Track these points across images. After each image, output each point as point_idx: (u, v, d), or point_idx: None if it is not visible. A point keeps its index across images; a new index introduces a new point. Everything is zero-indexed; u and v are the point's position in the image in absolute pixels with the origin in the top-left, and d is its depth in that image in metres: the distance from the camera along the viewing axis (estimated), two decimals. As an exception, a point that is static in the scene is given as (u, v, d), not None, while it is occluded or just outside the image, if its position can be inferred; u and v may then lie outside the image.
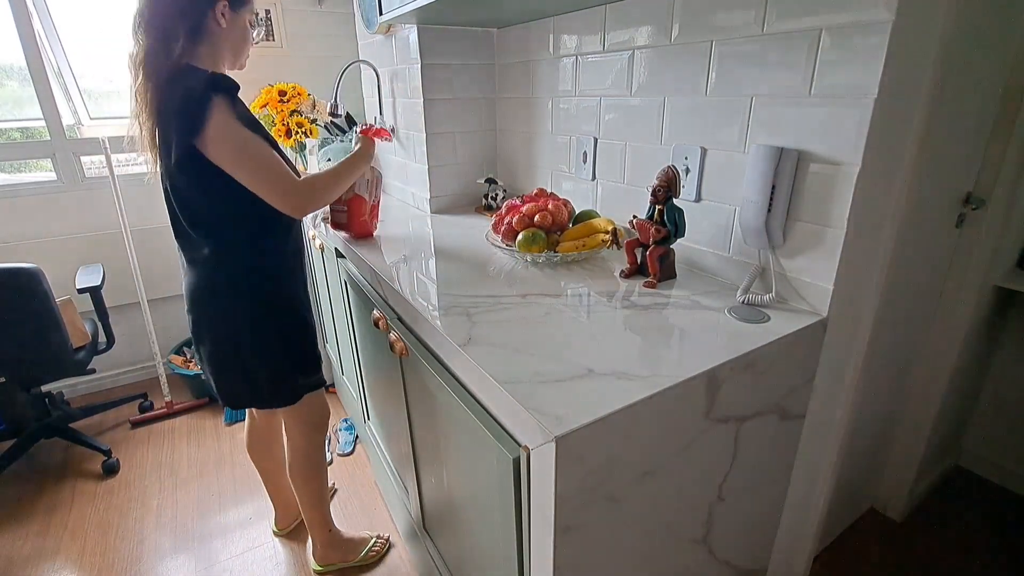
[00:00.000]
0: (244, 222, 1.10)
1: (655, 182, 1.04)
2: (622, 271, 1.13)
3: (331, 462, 1.92)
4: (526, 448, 0.70)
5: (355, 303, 1.46)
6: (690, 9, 1.05)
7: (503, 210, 1.31)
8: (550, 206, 1.26)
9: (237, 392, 1.24)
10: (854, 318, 1.00)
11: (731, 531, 1.00)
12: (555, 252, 1.20)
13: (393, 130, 1.93)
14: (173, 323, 2.45)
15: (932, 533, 1.54)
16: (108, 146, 1.98)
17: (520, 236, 1.21)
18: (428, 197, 1.75)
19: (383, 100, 1.97)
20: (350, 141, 2.10)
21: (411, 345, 1.03)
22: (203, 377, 2.21)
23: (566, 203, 1.30)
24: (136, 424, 2.17)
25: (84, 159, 2.18)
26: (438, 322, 0.92)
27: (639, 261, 1.12)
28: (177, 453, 2.00)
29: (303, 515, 1.44)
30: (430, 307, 0.99)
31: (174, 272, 2.32)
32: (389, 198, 2.05)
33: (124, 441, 2.08)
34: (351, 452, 1.97)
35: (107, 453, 1.92)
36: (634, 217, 1.10)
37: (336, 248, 1.58)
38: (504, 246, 1.26)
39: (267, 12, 2.22)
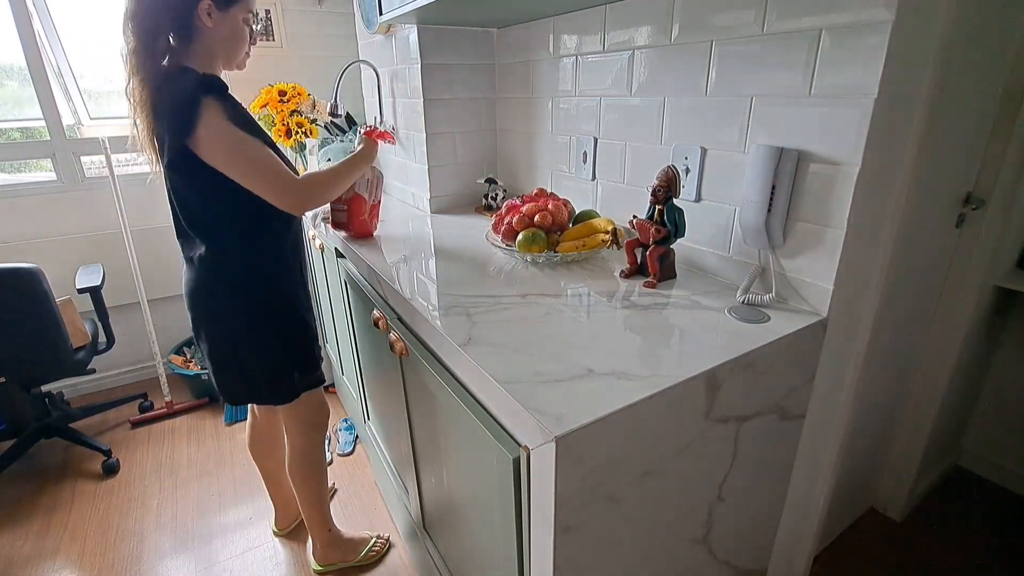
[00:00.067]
0: (240, 222, 1.10)
1: (655, 182, 1.04)
2: (622, 271, 1.13)
3: (331, 462, 1.92)
4: (526, 448, 0.70)
5: (355, 303, 1.46)
6: (690, 9, 1.05)
7: (503, 210, 1.31)
8: (550, 206, 1.26)
9: (235, 389, 1.24)
10: (854, 318, 1.00)
11: (731, 531, 1.00)
12: (555, 252, 1.20)
13: (394, 130, 1.93)
14: (173, 323, 2.45)
15: (932, 533, 1.54)
16: (108, 146, 1.99)
17: (520, 236, 1.21)
18: (428, 197, 1.75)
19: (383, 100, 1.97)
20: (350, 141, 2.10)
21: (411, 345, 1.03)
22: (203, 377, 2.22)
23: (566, 203, 1.30)
24: (136, 424, 2.17)
25: (84, 159, 2.18)
26: (438, 322, 0.92)
27: (639, 261, 1.12)
28: (177, 453, 2.00)
29: (303, 514, 1.44)
30: (430, 307, 0.99)
31: (174, 272, 2.33)
32: (389, 198, 2.05)
33: (124, 441, 2.08)
34: (351, 452, 1.96)
35: (107, 453, 1.92)
36: (634, 217, 1.10)
37: (336, 248, 1.58)
38: (504, 246, 1.26)
39: (267, 12, 2.22)
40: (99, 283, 1.89)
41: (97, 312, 1.90)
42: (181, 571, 1.50)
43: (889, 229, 0.95)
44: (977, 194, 1.29)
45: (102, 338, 1.96)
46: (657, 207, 1.06)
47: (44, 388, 1.98)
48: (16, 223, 2.09)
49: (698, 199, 1.12)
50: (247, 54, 1.14)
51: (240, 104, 1.06)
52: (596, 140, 1.38)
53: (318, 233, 1.72)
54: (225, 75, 1.10)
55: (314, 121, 2.04)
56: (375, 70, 1.94)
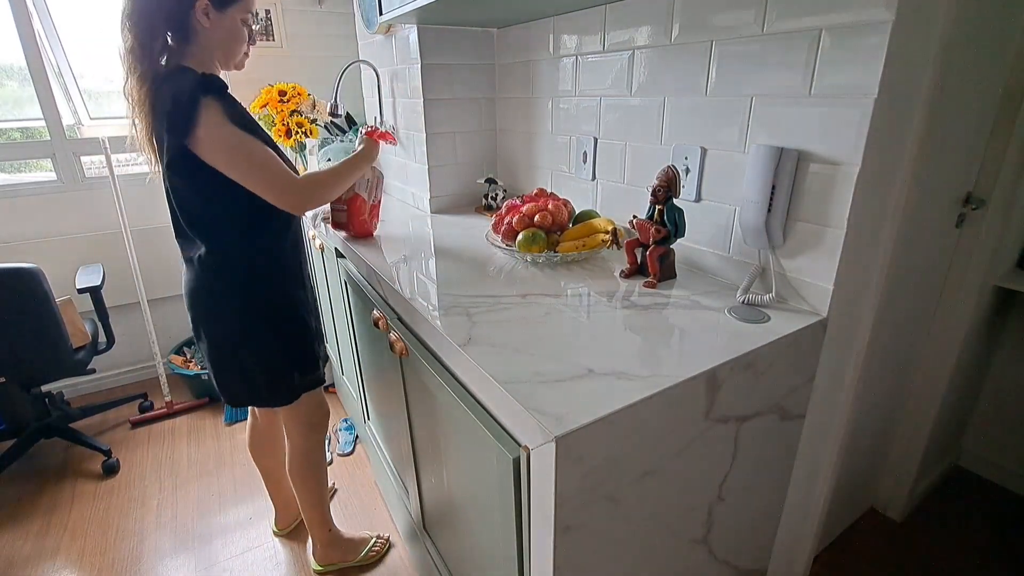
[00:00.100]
0: (240, 222, 1.10)
1: (655, 182, 1.04)
2: (622, 271, 1.13)
3: (331, 462, 1.92)
4: (526, 448, 0.70)
5: (355, 303, 1.46)
6: (690, 9, 1.05)
7: (503, 210, 1.31)
8: (550, 206, 1.26)
9: (235, 390, 1.24)
10: (854, 318, 1.00)
11: (731, 531, 1.00)
12: (555, 252, 1.20)
13: (394, 130, 1.93)
14: (173, 323, 2.45)
15: (932, 533, 1.54)
16: (108, 146, 1.99)
17: (520, 236, 1.21)
18: (428, 197, 1.75)
19: (383, 100, 1.97)
20: (350, 141, 2.10)
21: (411, 345, 1.03)
22: (203, 377, 2.22)
23: (566, 203, 1.30)
24: (136, 424, 2.17)
25: (84, 159, 2.18)
26: (438, 322, 0.92)
27: (639, 261, 1.12)
28: (177, 453, 2.00)
29: (303, 515, 1.44)
30: (430, 307, 0.99)
31: (174, 272, 2.33)
32: (389, 198, 2.05)
33: (124, 441, 2.08)
34: (351, 452, 1.97)
35: (107, 453, 1.92)
36: (634, 217, 1.10)
37: (336, 248, 1.58)
38: (504, 246, 1.26)
39: (267, 12, 2.22)
40: (99, 283, 1.89)
41: (97, 312, 1.90)
42: (181, 571, 1.50)
43: (889, 229, 0.95)
44: (977, 194, 1.29)
45: (102, 338, 1.96)
46: (657, 207, 1.06)
47: (44, 388, 1.98)
48: (16, 223, 2.09)
49: (698, 199, 1.12)
50: (246, 54, 1.13)
51: (240, 104, 1.06)
52: (596, 140, 1.38)
53: (318, 233, 1.72)
54: (224, 75, 1.09)
55: (314, 121, 2.04)
56: (375, 70, 1.94)
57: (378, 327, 1.18)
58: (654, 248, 1.06)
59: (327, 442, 1.97)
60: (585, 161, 1.42)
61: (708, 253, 1.12)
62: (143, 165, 1.21)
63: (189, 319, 1.18)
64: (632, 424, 0.70)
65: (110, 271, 2.11)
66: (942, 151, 1.08)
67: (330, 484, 1.68)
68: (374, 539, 1.53)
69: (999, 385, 1.67)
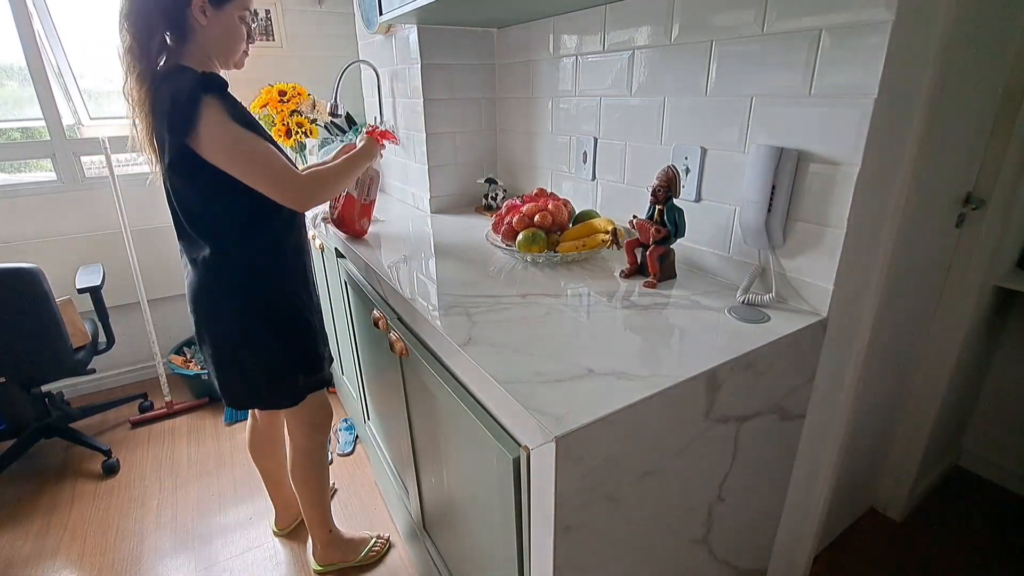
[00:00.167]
0: (241, 222, 1.09)
1: (655, 182, 1.04)
2: (622, 271, 1.13)
3: (331, 462, 1.92)
4: (526, 448, 0.70)
5: (355, 303, 1.46)
6: (690, 9, 1.05)
7: (503, 210, 1.31)
8: (550, 206, 1.26)
9: (236, 392, 1.24)
10: (854, 318, 1.00)
11: (731, 531, 1.00)
12: (555, 252, 1.20)
13: (394, 130, 1.93)
14: (173, 323, 2.45)
15: (932, 533, 1.54)
16: (108, 146, 1.99)
17: (520, 236, 1.21)
18: (428, 197, 1.75)
19: (383, 100, 1.97)
20: (351, 141, 2.10)
21: (411, 345, 1.03)
22: (203, 377, 2.22)
23: (566, 203, 1.30)
24: (136, 424, 2.17)
25: (84, 159, 2.18)
26: (438, 322, 0.92)
27: (639, 261, 1.12)
28: (177, 453, 2.00)
29: (303, 515, 1.44)
30: (430, 307, 0.99)
31: (174, 272, 2.33)
32: (389, 198, 2.05)
33: (124, 441, 2.08)
34: (351, 452, 1.97)
35: (107, 453, 1.92)
36: (634, 217, 1.10)
37: (336, 248, 1.58)
38: (504, 246, 1.26)
39: (267, 12, 2.22)
40: (99, 283, 1.89)
41: (97, 312, 1.90)
42: (181, 571, 1.50)
43: (889, 229, 0.95)
44: (977, 194, 1.29)
45: (102, 338, 1.96)
46: (657, 207, 1.06)
47: (44, 388, 1.98)
48: (16, 223, 2.09)
49: (698, 199, 1.12)
50: (245, 53, 1.13)
51: (240, 103, 1.06)
52: (596, 140, 1.38)
53: (318, 233, 1.72)
54: (224, 75, 1.09)
55: (314, 121, 2.04)
56: (375, 70, 1.94)
57: (378, 327, 1.18)
58: (654, 248, 1.06)
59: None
60: (585, 161, 1.42)
61: (708, 253, 1.12)
62: (143, 165, 1.21)
63: (192, 321, 1.18)
64: (632, 424, 0.70)
65: (110, 271, 2.11)
66: (942, 151, 1.08)
67: (330, 484, 1.68)
68: (374, 539, 1.53)
69: (999, 385, 1.67)
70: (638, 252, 1.12)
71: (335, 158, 1.32)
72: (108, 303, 1.96)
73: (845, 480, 1.34)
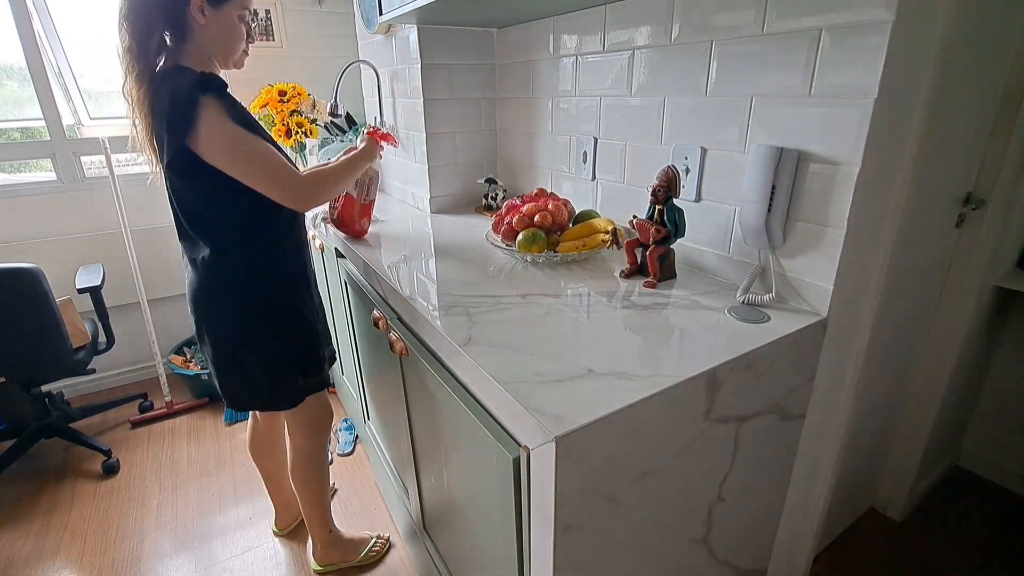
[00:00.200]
0: (240, 222, 1.09)
1: (655, 182, 1.04)
2: (622, 271, 1.13)
3: (331, 462, 1.92)
4: (526, 448, 0.70)
5: (355, 303, 1.46)
6: (690, 9, 1.05)
7: (503, 210, 1.31)
8: (550, 206, 1.26)
9: (236, 392, 1.24)
10: (854, 318, 1.00)
11: (731, 531, 1.00)
12: (555, 252, 1.20)
13: (394, 130, 1.93)
14: (173, 323, 2.45)
15: (932, 533, 1.54)
16: (108, 146, 1.99)
17: (520, 236, 1.21)
18: (428, 197, 1.75)
19: (383, 100, 1.97)
20: (350, 141, 2.10)
21: (411, 345, 1.03)
22: (204, 377, 2.22)
23: (566, 203, 1.30)
24: (136, 424, 2.17)
25: (84, 159, 2.18)
26: (438, 322, 0.92)
27: (639, 261, 1.12)
28: (177, 453, 2.00)
29: (304, 515, 1.44)
30: (430, 307, 0.99)
31: (174, 272, 2.33)
32: (389, 198, 2.05)
33: (124, 441, 2.08)
34: (351, 452, 1.97)
35: (107, 453, 1.92)
36: (634, 217, 1.10)
37: (336, 248, 1.58)
38: (504, 246, 1.26)
39: (267, 12, 2.22)
40: (99, 283, 1.89)
41: (97, 312, 1.90)
42: (181, 571, 1.50)
43: (889, 229, 0.95)
44: (977, 194, 1.29)
45: (102, 338, 1.96)
46: (657, 207, 1.06)
47: (44, 388, 1.98)
48: (16, 223, 2.09)
49: (698, 199, 1.12)
50: (245, 52, 1.13)
51: (239, 103, 1.06)
52: (596, 140, 1.38)
53: (318, 233, 1.72)
54: (224, 75, 1.09)
55: (314, 121, 2.04)
56: (375, 70, 1.94)
57: (378, 327, 1.18)
58: (654, 248, 1.06)
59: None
60: (585, 161, 1.42)
61: (708, 253, 1.12)
62: (143, 165, 1.21)
63: (192, 321, 1.18)
64: (632, 424, 0.70)
65: (110, 271, 2.11)
66: (942, 151, 1.08)
67: (330, 484, 1.68)
68: (374, 539, 1.53)
69: (999, 385, 1.67)
70: (638, 252, 1.12)
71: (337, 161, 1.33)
72: (108, 303, 1.96)
73: (845, 480, 1.34)
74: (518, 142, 1.72)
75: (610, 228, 1.18)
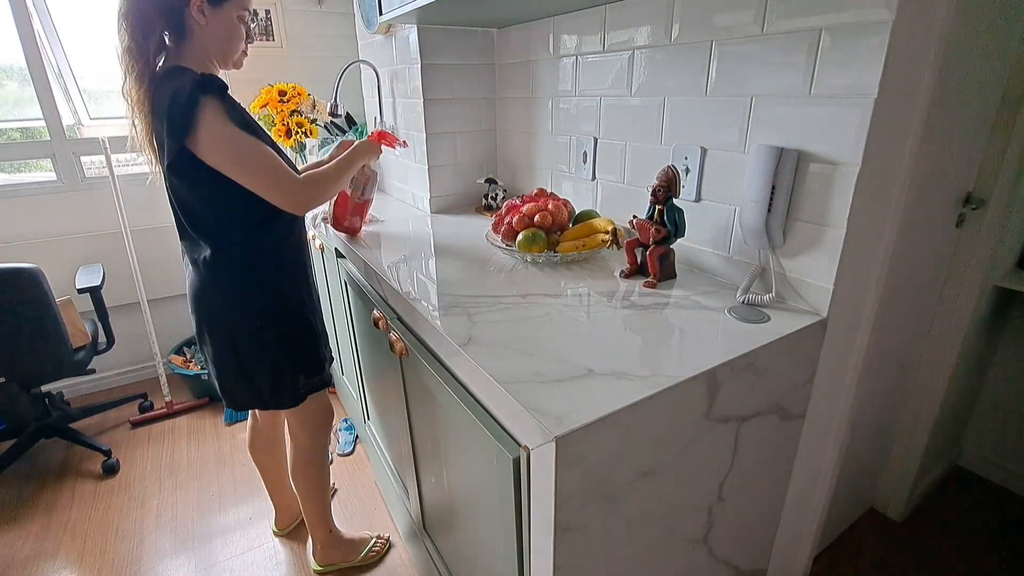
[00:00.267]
0: (241, 223, 1.09)
1: (655, 182, 1.04)
2: (622, 271, 1.13)
3: (331, 462, 1.91)
4: (526, 448, 0.70)
5: (355, 303, 1.46)
6: (690, 9, 1.04)
7: (503, 210, 1.31)
8: (550, 206, 1.26)
9: (237, 393, 1.24)
10: (854, 318, 1.00)
11: (731, 531, 1.00)
12: (555, 252, 1.20)
13: (394, 130, 1.93)
14: (173, 323, 2.45)
15: (932, 533, 1.54)
16: (108, 146, 1.99)
17: (520, 236, 1.21)
18: (428, 197, 1.75)
19: (383, 100, 1.97)
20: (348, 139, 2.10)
21: (411, 345, 1.03)
22: (203, 377, 2.22)
23: (566, 203, 1.30)
24: (136, 424, 2.17)
25: (84, 159, 2.18)
26: (438, 322, 0.92)
27: (639, 261, 1.12)
28: (177, 453, 2.00)
29: (304, 515, 1.44)
30: (430, 307, 0.99)
31: (174, 272, 2.33)
32: (389, 198, 2.05)
33: (124, 441, 2.08)
34: (351, 452, 1.97)
35: (107, 453, 1.92)
36: (634, 217, 1.10)
37: (336, 248, 1.58)
38: (504, 246, 1.26)
39: (267, 12, 2.22)
40: (99, 283, 1.89)
41: (97, 312, 1.90)
42: (181, 571, 1.50)
43: (889, 229, 0.95)
44: (977, 194, 1.29)
45: (102, 338, 1.96)
46: (657, 207, 1.06)
47: (44, 388, 1.98)
48: (16, 223, 2.09)
49: (698, 199, 1.12)
50: (244, 53, 1.13)
51: (239, 104, 1.06)
52: (596, 140, 1.38)
53: (318, 233, 1.72)
54: (224, 75, 1.09)
55: (314, 121, 2.04)
56: (375, 70, 1.94)
57: (378, 327, 1.18)
58: (654, 248, 1.06)
59: (327, 442, 1.97)
60: (585, 161, 1.42)
61: (708, 253, 1.12)
62: (143, 165, 1.21)
63: (193, 321, 1.18)
64: (632, 424, 0.70)
65: (110, 271, 2.11)
66: (942, 151, 1.08)
67: (330, 484, 1.68)
68: (374, 539, 1.53)
69: (999, 385, 1.67)
70: (638, 252, 1.12)
71: (332, 157, 1.33)
72: (108, 303, 1.96)
73: (845, 480, 1.34)
74: (518, 142, 1.72)
75: (610, 228, 1.18)
